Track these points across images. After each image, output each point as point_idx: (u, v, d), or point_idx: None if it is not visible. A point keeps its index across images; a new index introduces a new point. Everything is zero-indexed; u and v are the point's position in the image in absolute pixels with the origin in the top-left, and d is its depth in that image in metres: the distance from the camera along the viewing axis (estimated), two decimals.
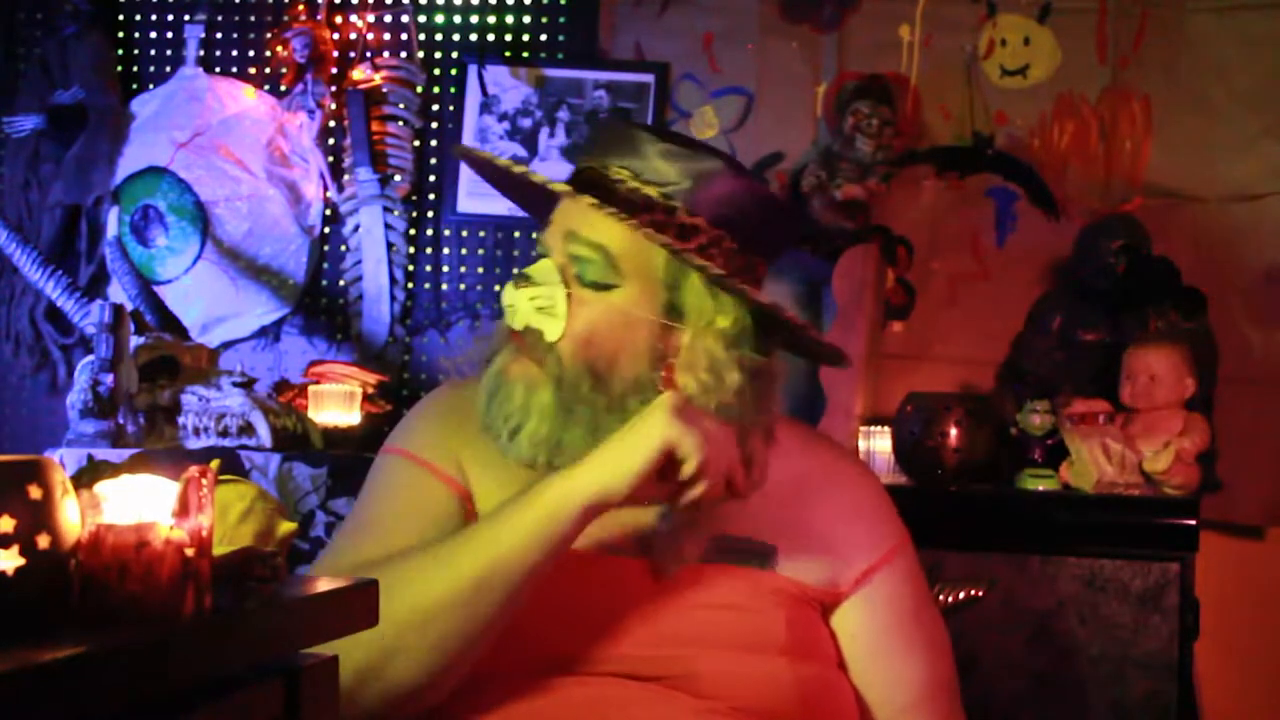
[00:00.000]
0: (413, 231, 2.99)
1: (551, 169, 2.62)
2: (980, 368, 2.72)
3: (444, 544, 1.18)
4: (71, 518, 0.75)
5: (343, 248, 2.99)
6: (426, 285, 2.98)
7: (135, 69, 3.13)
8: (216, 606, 0.79)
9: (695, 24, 2.91)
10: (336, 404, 2.62)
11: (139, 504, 0.76)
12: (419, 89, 3.00)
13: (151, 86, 3.10)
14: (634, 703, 1.21)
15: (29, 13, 3.16)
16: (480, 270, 2.97)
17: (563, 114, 2.94)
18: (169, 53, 3.11)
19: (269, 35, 3.01)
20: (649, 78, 2.92)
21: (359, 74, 2.97)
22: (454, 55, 3.01)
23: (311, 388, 2.66)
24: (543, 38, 2.99)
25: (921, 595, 1.42)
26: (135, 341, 2.49)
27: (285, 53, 2.95)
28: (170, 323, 2.70)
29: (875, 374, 2.67)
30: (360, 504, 1.35)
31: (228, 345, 2.97)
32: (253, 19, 3.08)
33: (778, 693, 1.24)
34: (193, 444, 2.47)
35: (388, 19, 3.02)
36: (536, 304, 1.26)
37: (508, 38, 2.99)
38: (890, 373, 2.71)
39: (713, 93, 2.91)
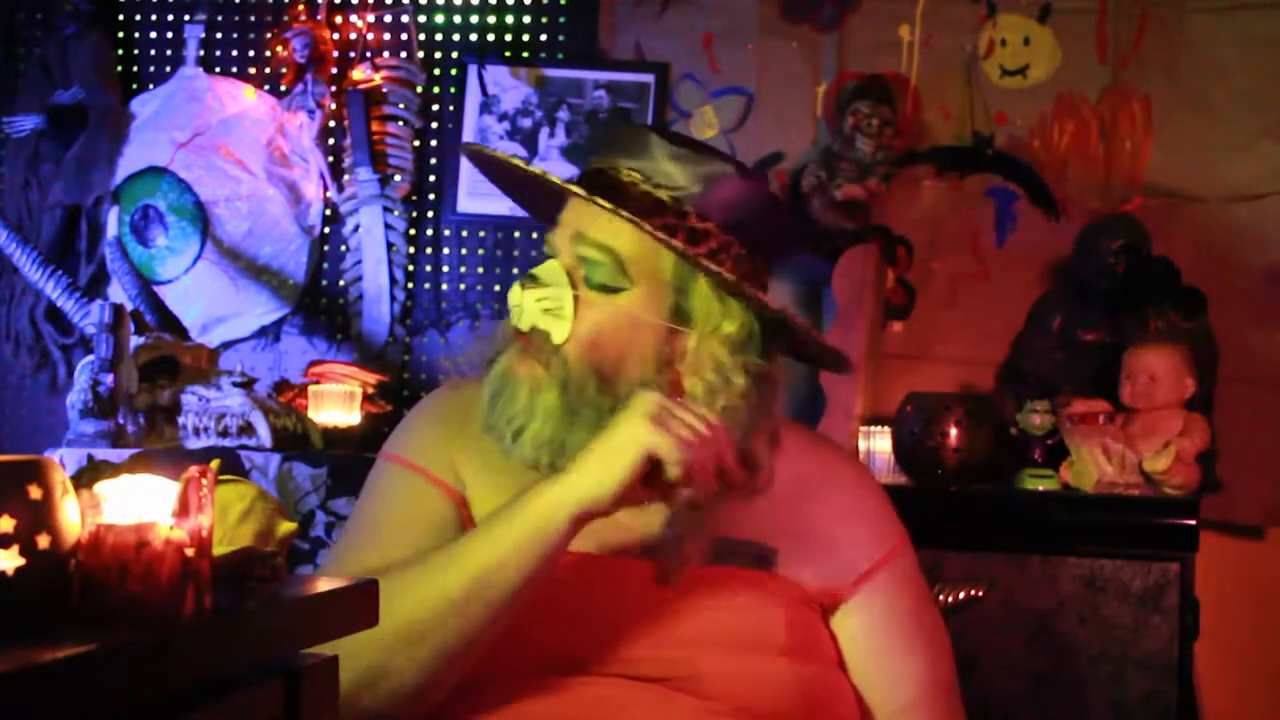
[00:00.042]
0: (413, 231, 2.99)
1: (552, 169, 2.60)
2: (980, 368, 2.72)
3: (436, 556, 1.18)
4: (71, 518, 0.75)
5: (343, 248, 2.99)
6: (426, 285, 2.98)
7: (135, 69, 3.13)
8: (216, 606, 0.79)
9: (695, 24, 2.91)
10: (336, 404, 2.62)
11: (139, 504, 0.76)
12: (419, 89, 3.00)
13: (151, 86, 3.10)
14: (635, 703, 1.21)
15: (29, 13, 3.15)
16: (480, 270, 2.97)
17: (563, 114, 2.94)
18: (169, 53, 3.11)
19: (269, 35, 3.01)
20: (649, 78, 2.92)
21: (359, 74, 2.97)
22: (454, 55, 3.01)
23: (311, 388, 2.66)
24: (543, 38, 2.99)
25: (921, 596, 1.42)
26: (135, 341, 2.49)
27: (285, 53, 2.95)
28: (170, 323, 2.70)
29: (875, 374, 2.67)
30: (358, 512, 1.36)
31: (228, 345, 2.97)
32: (253, 19, 3.07)
33: (779, 693, 1.25)
34: (193, 444, 2.47)
35: (388, 19, 3.02)
36: (543, 305, 1.26)
37: (508, 38, 2.99)
38: (890, 373, 2.71)
39: (713, 93, 2.91)
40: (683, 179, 1.26)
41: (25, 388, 3.09)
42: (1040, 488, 2.36)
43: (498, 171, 1.40)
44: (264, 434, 2.46)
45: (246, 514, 0.93)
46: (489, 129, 2.95)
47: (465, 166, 2.94)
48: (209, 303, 2.97)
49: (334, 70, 2.97)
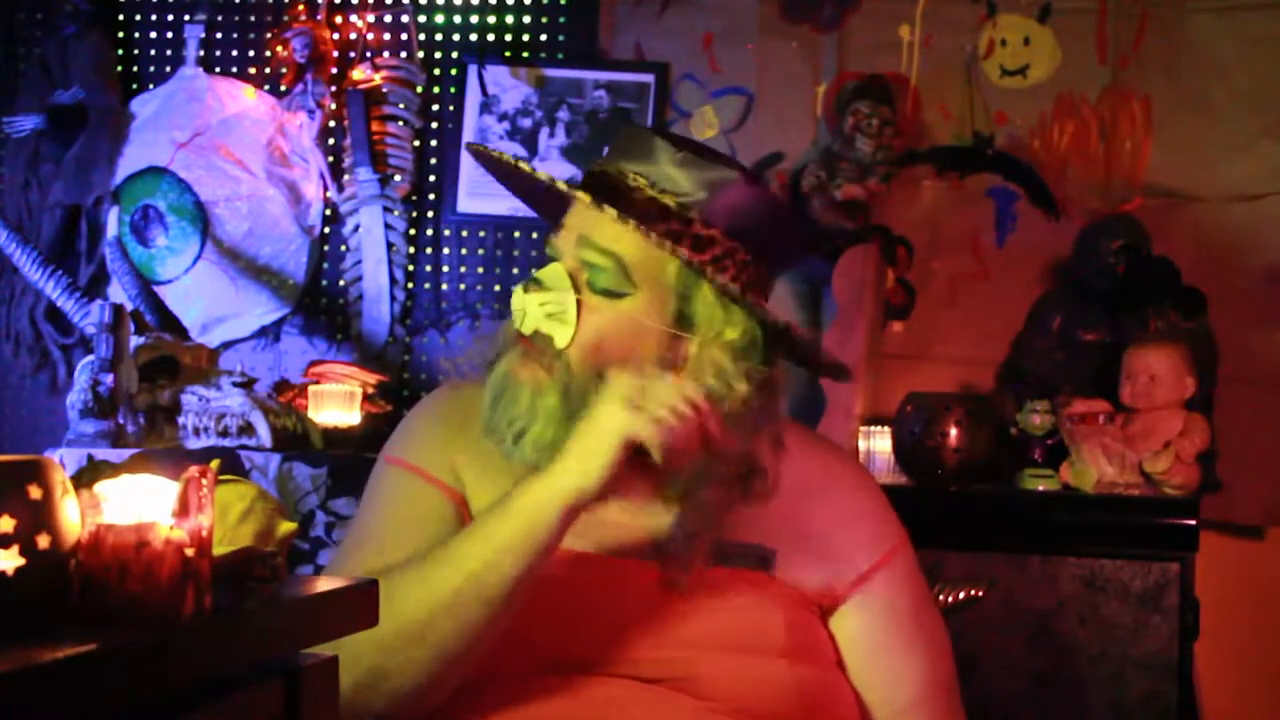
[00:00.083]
0: (413, 231, 2.99)
1: (552, 169, 2.61)
2: (980, 368, 2.72)
3: (432, 556, 1.18)
4: (71, 518, 0.75)
5: (343, 248, 2.99)
6: (426, 285, 2.98)
7: (135, 69, 3.13)
8: (216, 606, 0.79)
9: (695, 24, 2.91)
10: (336, 404, 2.62)
11: (139, 504, 0.76)
12: (419, 89, 3.00)
13: (151, 86, 3.10)
14: (635, 704, 1.21)
15: (29, 13, 3.15)
16: (480, 270, 2.97)
17: (563, 114, 2.94)
18: (169, 53, 3.11)
19: (269, 35, 3.01)
20: (649, 78, 2.92)
21: (359, 74, 2.97)
22: (454, 55, 3.01)
23: (311, 388, 2.66)
24: (543, 38, 2.99)
25: (921, 596, 1.42)
26: (135, 341, 2.49)
27: (285, 53, 2.95)
28: (170, 323, 2.70)
29: (875, 374, 2.67)
30: (359, 515, 1.36)
31: (228, 345, 2.97)
32: (253, 19, 3.07)
33: (778, 694, 1.25)
34: (193, 444, 2.47)
35: (388, 19, 3.02)
36: (546, 310, 1.26)
37: (508, 38, 2.99)
38: (890, 373, 2.71)
39: (713, 93, 2.91)
40: (688, 185, 1.26)
41: (25, 388, 3.09)
42: (1040, 488, 2.36)
43: (502, 171, 1.40)
44: (264, 434, 2.46)
45: (246, 514, 0.93)
46: (489, 129, 2.95)
47: (465, 166, 2.94)
48: (209, 303, 2.97)
49: (334, 70, 2.97)
